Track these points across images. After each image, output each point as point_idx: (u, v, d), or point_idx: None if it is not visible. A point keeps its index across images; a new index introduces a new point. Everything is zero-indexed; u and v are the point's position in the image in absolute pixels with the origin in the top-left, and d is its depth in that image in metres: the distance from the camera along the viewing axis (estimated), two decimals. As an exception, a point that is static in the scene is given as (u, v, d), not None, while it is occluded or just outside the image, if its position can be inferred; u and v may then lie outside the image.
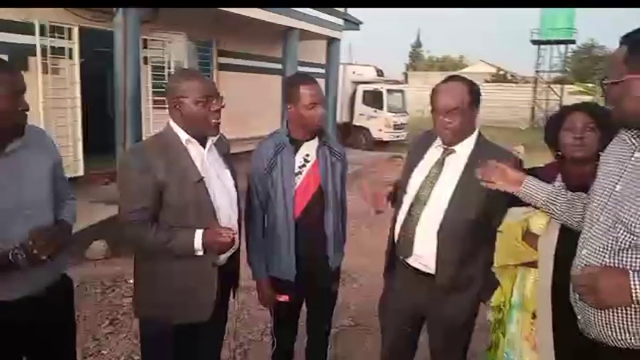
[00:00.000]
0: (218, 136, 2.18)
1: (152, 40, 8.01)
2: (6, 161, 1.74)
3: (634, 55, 1.39)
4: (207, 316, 2.06)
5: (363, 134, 15.53)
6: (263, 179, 2.32)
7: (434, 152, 2.16)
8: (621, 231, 1.43)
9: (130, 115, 6.64)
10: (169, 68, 8.22)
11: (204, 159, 2.06)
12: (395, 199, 2.29)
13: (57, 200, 1.93)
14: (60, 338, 2.04)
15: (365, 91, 15.70)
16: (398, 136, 15.69)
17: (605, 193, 1.52)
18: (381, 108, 15.39)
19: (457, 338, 2.25)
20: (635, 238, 1.39)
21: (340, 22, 12.37)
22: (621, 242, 1.43)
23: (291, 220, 2.31)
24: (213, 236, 1.92)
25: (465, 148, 2.08)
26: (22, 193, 1.77)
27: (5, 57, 2.99)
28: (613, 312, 1.45)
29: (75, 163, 6.94)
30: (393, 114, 15.61)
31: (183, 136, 2.01)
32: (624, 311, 1.43)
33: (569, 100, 18.64)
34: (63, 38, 6.71)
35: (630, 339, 1.45)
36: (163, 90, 7.91)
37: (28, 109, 1.77)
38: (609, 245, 1.46)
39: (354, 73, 16.57)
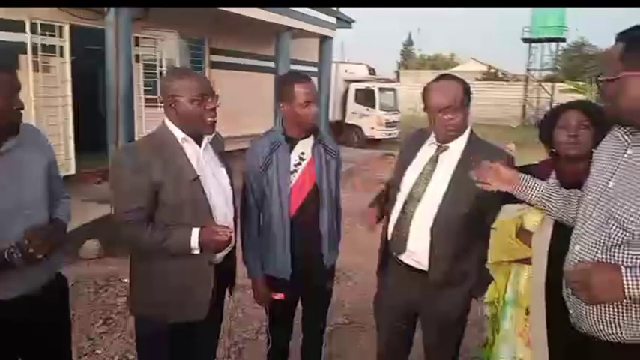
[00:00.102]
0: (213, 135, 2.18)
1: (144, 38, 7.97)
2: (2, 160, 1.74)
3: (630, 52, 1.40)
4: (203, 315, 2.05)
5: (355, 132, 15.57)
6: (258, 177, 2.32)
7: (427, 150, 2.17)
8: (614, 227, 1.44)
9: (122, 113, 6.61)
10: (161, 66, 8.18)
11: (200, 157, 2.05)
12: (388, 198, 2.31)
13: (52, 199, 1.93)
14: (55, 337, 2.04)
15: (357, 90, 15.73)
16: (390, 134, 15.74)
17: (598, 189, 1.53)
18: (373, 106, 15.43)
19: (450, 334, 2.26)
20: (627, 234, 1.41)
21: (333, 20, 12.38)
22: (614, 238, 1.44)
23: (286, 218, 2.31)
24: (209, 235, 1.92)
25: (458, 145, 2.10)
26: (22, 193, 1.78)
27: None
28: (604, 306, 1.47)
29: (66, 162, 6.90)
30: (385, 112, 15.66)
31: (179, 134, 2.00)
32: (615, 306, 1.45)
33: (560, 98, 18.79)
34: (54, 36, 6.66)
35: (621, 333, 1.47)
36: (155, 88, 7.92)
37: (22, 108, 1.77)
38: (602, 241, 1.47)
39: (346, 71, 16.59)
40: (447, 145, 2.10)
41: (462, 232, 2.06)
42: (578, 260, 1.53)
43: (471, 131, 2.13)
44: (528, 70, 27.31)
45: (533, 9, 26.22)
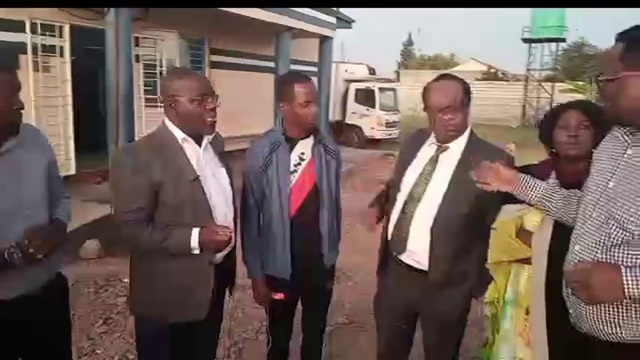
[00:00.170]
0: (214, 135, 2.18)
1: (144, 38, 7.97)
2: (2, 160, 1.74)
3: (630, 52, 1.40)
4: (204, 315, 2.05)
5: (355, 132, 15.57)
6: (258, 177, 2.32)
7: (427, 150, 2.17)
8: (614, 227, 1.44)
9: (122, 113, 6.61)
10: (161, 66, 8.19)
11: (200, 157, 2.05)
12: (388, 198, 2.31)
13: (52, 199, 1.93)
14: (56, 337, 2.04)
15: (357, 90, 15.74)
16: (390, 134, 15.75)
17: (598, 189, 1.53)
18: (373, 106, 15.44)
19: (450, 334, 2.26)
20: (627, 234, 1.41)
21: (333, 20, 12.38)
22: (614, 238, 1.44)
23: (286, 218, 2.31)
24: (209, 235, 1.92)
25: (458, 145, 2.10)
26: (22, 193, 1.78)
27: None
28: (604, 306, 1.47)
29: (66, 162, 6.90)
30: (385, 112, 15.66)
31: (179, 134, 2.00)
32: (615, 306, 1.45)
33: (560, 98, 18.78)
34: (54, 36, 6.66)
35: (621, 333, 1.47)
36: (155, 88, 7.91)
37: (23, 108, 1.77)
38: (602, 241, 1.48)
39: (346, 71, 16.60)
40: (447, 145, 2.10)
41: (462, 232, 2.06)
42: (578, 260, 1.53)
43: (471, 131, 2.13)
44: (528, 70, 27.32)
45: (533, 9, 26.21)
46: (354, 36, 40.41)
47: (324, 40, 12.37)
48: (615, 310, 1.46)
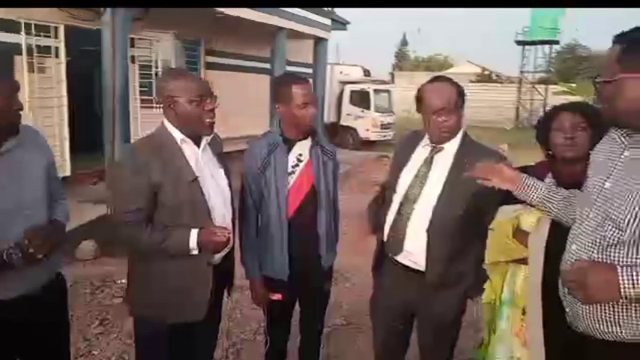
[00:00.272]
0: (212, 136, 2.19)
1: (139, 38, 7.95)
2: (2, 160, 1.75)
3: (627, 54, 1.41)
4: (202, 316, 2.06)
5: (350, 134, 15.61)
6: (256, 179, 2.33)
7: (422, 151, 2.19)
8: (610, 227, 1.45)
9: (118, 113, 6.58)
10: (157, 67, 8.16)
11: (199, 158, 2.06)
12: (384, 199, 2.32)
13: (51, 200, 1.93)
14: (54, 337, 2.05)
15: (352, 91, 15.79)
16: (385, 136, 15.79)
17: (595, 190, 1.54)
18: (368, 108, 15.49)
19: (445, 335, 2.28)
20: (622, 234, 1.42)
21: (328, 22, 12.40)
22: (610, 238, 1.46)
23: (284, 219, 2.32)
24: (208, 235, 1.93)
25: (452, 146, 2.12)
26: (22, 193, 1.78)
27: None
28: (601, 306, 1.48)
29: (62, 163, 6.85)
30: (380, 114, 15.71)
31: (178, 135, 2.01)
32: (612, 305, 1.46)
33: (553, 100, 18.85)
34: (49, 37, 6.63)
35: (618, 332, 1.48)
36: (150, 89, 7.90)
37: (22, 109, 1.79)
38: (598, 241, 1.49)
39: (341, 73, 16.63)
40: (442, 145, 2.12)
41: (458, 233, 2.07)
42: (575, 260, 1.55)
43: (465, 133, 2.16)
44: (522, 72, 27.44)
45: (528, 13, 26.36)
46: (348, 37, 40.49)
47: (319, 41, 12.38)
48: (612, 309, 1.47)
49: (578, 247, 1.56)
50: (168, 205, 1.96)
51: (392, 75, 31.74)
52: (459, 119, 2.09)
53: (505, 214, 2.12)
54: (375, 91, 15.75)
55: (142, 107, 7.98)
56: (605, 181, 1.51)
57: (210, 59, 10.27)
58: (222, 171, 2.19)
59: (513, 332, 2.19)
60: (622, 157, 1.50)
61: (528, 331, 2.02)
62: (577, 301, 1.51)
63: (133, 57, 7.72)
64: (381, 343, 2.43)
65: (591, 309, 1.51)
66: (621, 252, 1.44)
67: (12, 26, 6.24)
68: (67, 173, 6.94)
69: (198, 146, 2.08)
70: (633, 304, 1.44)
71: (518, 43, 27.07)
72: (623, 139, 1.51)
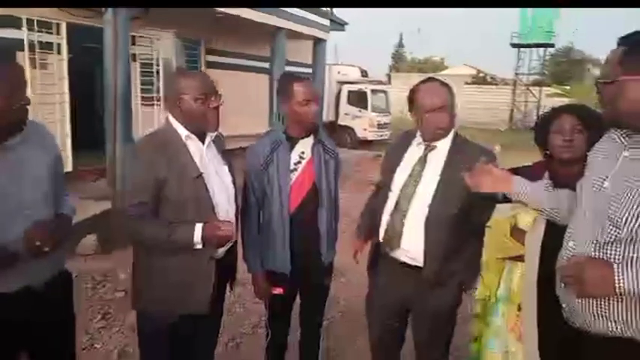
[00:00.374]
0: (216, 133, 2.23)
1: (140, 37, 7.93)
2: (6, 157, 1.72)
3: (630, 56, 1.43)
4: (205, 310, 2.08)
5: (348, 133, 15.61)
6: (259, 176, 2.35)
7: (415, 150, 2.23)
8: (607, 225, 1.47)
9: (119, 111, 6.58)
10: (157, 65, 8.15)
11: (204, 155, 2.09)
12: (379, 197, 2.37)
13: (56, 196, 1.92)
14: (59, 333, 2.03)
15: (350, 91, 15.81)
16: (382, 136, 15.82)
17: (594, 189, 1.56)
18: (365, 108, 15.51)
19: (441, 330, 2.30)
20: (620, 232, 1.44)
21: (326, 22, 12.44)
22: (607, 236, 1.47)
23: (286, 216, 2.35)
24: (212, 230, 1.95)
25: (444, 144, 2.16)
26: (22, 194, 1.75)
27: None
28: (597, 301, 1.50)
29: (64, 159, 6.84)
30: (377, 114, 15.75)
31: (183, 132, 2.05)
32: (608, 300, 1.48)
33: (547, 102, 18.90)
34: (51, 33, 6.62)
35: (614, 327, 1.49)
36: (151, 87, 7.91)
37: (29, 104, 1.76)
38: (595, 239, 1.50)
39: (339, 73, 16.64)
40: (435, 144, 2.16)
41: (454, 229, 2.10)
42: (572, 256, 1.56)
43: (456, 133, 2.20)
44: (517, 74, 27.51)
45: (522, 15, 26.43)
46: (346, 38, 40.34)
47: (318, 42, 12.40)
48: (608, 304, 1.48)
49: (575, 243, 1.58)
50: (172, 201, 1.99)
51: (389, 76, 31.76)
52: (452, 118, 2.14)
53: (502, 212, 2.15)
54: (373, 91, 15.77)
55: (142, 105, 7.96)
56: (604, 180, 1.53)
57: (211, 58, 10.28)
58: (226, 168, 2.22)
59: (509, 328, 2.23)
60: (621, 157, 1.51)
61: (523, 326, 2.05)
62: (574, 297, 1.53)
63: (134, 55, 7.72)
64: (377, 339, 2.46)
65: (588, 305, 1.52)
66: (618, 250, 1.45)
67: (14, 22, 6.23)
68: (69, 169, 6.95)
69: (203, 143, 2.11)
70: (630, 300, 1.45)
71: (514, 45, 27.17)
72: (622, 140, 1.52)
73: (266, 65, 10.97)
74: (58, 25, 6.72)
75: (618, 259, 1.45)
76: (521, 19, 26.43)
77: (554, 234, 1.78)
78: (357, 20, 19.23)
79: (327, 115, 15.18)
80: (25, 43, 6.31)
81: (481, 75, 31.61)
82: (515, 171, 2.07)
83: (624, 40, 1.47)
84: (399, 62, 49.26)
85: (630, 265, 1.38)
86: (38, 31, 6.45)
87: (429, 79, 2.22)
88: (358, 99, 15.67)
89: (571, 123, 2.00)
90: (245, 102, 10.24)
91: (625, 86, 1.43)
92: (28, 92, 1.84)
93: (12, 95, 1.67)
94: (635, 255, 1.43)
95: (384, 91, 16.86)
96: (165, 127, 2.09)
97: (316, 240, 2.44)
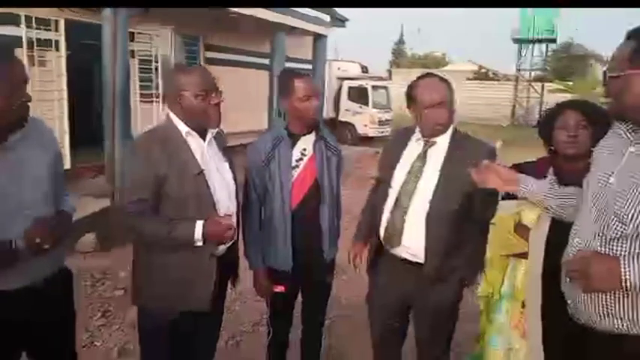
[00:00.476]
0: (217, 130, 2.21)
1: (139, 33, 7.90)
2: (6, 157, 1.71)
3: (638, 51, 1.42)
4: (205, 307, 2.08)
5: (348, 130, 15.58)
6: (261, 172, 2.34)
7: (415, 146, 2.22)
8: (613, 221, 1.47)
9: (118, 108, 6.57)
10: (156, 62, 8.12)
11: (204, 152, 2.08)
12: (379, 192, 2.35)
13: (56, 195, 1.91)
14: (59, 331, 2.03)
15: (350, 87, 15.76)
16: (382, 132, 15.76)
17: (600, 184, 1.55)
18: (366, 104, 15.47)
19: (442, 327, 2.30)
20: (626, 228, 1.44)
21: (327, 18, 12.40)
22: (613, 232, 1.47)
23: (287, 212, 2.34)
24: (213, 226, 1.94)
25: (444, 140, 2.16)
26: (22, 194, 1.75)
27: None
28: (603, 297, 1.49)
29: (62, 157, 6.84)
30: (378, 110, 15.71)
31: (183, 128, 2.04)
32: (614, 297, 1.47)
33: (549, 98, 18.83)
34: (49, 30, 6.58)
35: (620, 324, 1.49)
36: (150, 84, 7.88)
37: (30, 101, 1.75)
38: (601, 234, 1.50)
39: (339, 69, 16.59)
40: (434, 140, 2.15)
41: (455, 225, 2.10)
42: (578, 251, 1.56)
43: (455, 128, 2.19)
44: (518, 70, 27.46)
45: (522, 15, 26.35)
46: (347, 34, 40.24)
47: (319, 38, 12.35)
48: (614, 301, 1.48)
49: (580, 239, 1.58)
50: (173, 197, 1.97)
51: (389, 72, 31.69)
52: (451, 113, 2.13)
53: (506, 209, 2.14)
54: (373, 87, 15.72)
55: (141, 102, 7.94)
56: (610, 176, 1.52)
57: (210, 54, 10.26)
58: (227, 164, 2.21)
59: (512, 325, 2.22)
60: (627, 152, 1.51)
61: (527, 323, 2.05)
62: (579, 294, 1.52)
63: (132, 51, 7.69)
64: (379, 338, 2.46)
65: (593, 301, 1.51)
66: (624, 245, 1.45)
67: (12, 19, 6.20)
68: (67, 167, 6.93)
69: (204, 139, 2.09)
70: (636, 297, 1.44)
71: (515, 41, 27.10)
72: (628, 135, 1.52)
73: (266, 61, 10.93)
74: (56, 22, 6.68)
75: (624, 255, 1.44)
76: (522, 19, 26.32)
77: (559, 230, 1.78)
78: (358, 16, 19.19)
79: (328, 112, 15.14)
80: (24, 40, 6.28)
81: (483, 71, 31.53)
82: (520, 167, 2.07)
83: (635, 34, 1.46)
84: (399, 58, 49.18)
85: (636, 259, 1.38)
86: (37, 28, 6.41)
87: (428, 74, 2.21)
88: (359, 95, 15.62)
89: (575, 119, 2.00)
90: (245, 98, 10.22)
91: (631, 80, 1.43)
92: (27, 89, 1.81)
93: (13, 94, 1.67)
94: None
95: (385, 87, 16.81)
96: (165, 124, 2.08)
97: (318, 237, 2.43)
